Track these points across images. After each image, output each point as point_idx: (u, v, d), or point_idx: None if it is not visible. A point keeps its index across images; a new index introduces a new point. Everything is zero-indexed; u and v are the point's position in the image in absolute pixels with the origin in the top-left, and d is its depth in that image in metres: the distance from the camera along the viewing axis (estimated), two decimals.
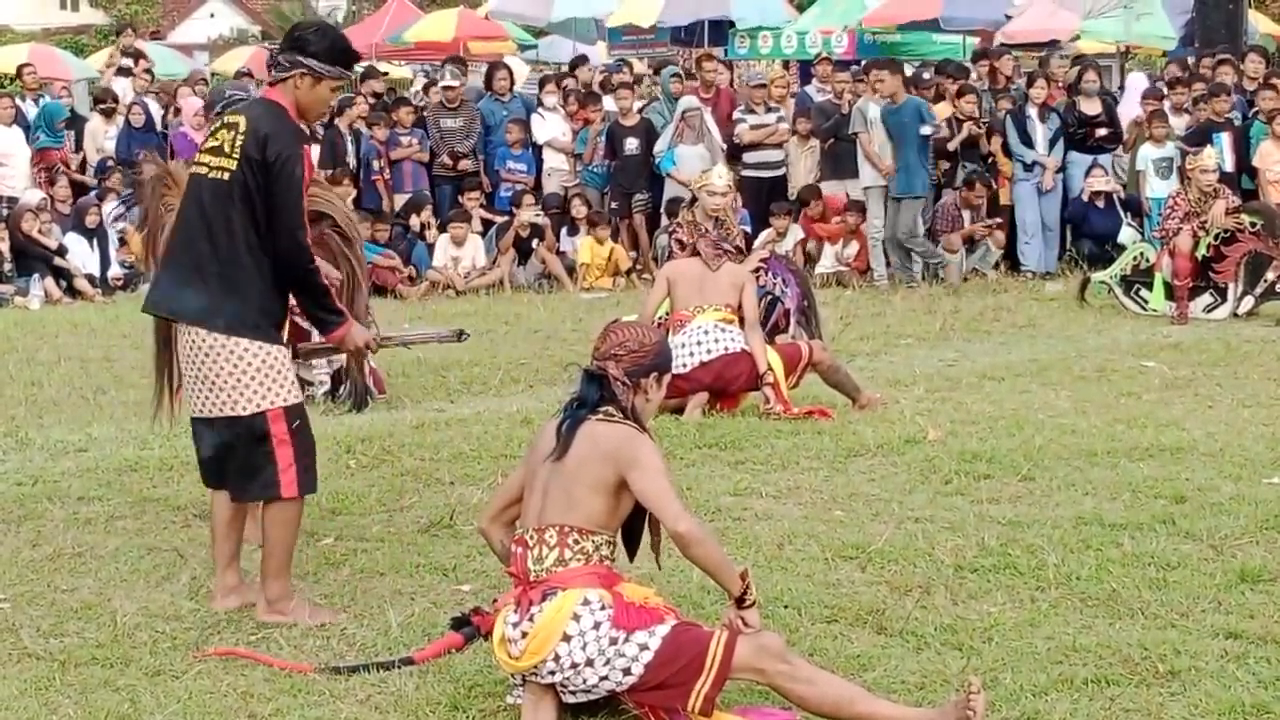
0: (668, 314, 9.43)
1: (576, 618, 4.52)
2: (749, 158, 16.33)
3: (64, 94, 19.30)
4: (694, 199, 10.03)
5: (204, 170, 5.55)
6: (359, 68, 23.32)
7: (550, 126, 17.06)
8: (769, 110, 16.55)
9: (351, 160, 16.22)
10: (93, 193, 16.89)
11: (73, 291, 15.63)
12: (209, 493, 5.84)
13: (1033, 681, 4.80)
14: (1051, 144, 15.69)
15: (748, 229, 14.66)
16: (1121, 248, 14.48)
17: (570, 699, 4.59)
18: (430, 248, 16.17)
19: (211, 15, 48.04)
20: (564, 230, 16.57)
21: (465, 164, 16.73)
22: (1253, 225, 12.85)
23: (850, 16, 20.45)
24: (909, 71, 18.78)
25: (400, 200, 16.60)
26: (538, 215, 16.24)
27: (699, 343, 9.13)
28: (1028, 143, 15.67)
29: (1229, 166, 14.84)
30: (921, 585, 5.76)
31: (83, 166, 17.58)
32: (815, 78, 18.09)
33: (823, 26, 20.63)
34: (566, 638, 4.51)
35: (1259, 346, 11.24)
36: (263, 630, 5.46)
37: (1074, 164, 15.86)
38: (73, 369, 11.19)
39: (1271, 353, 10.96)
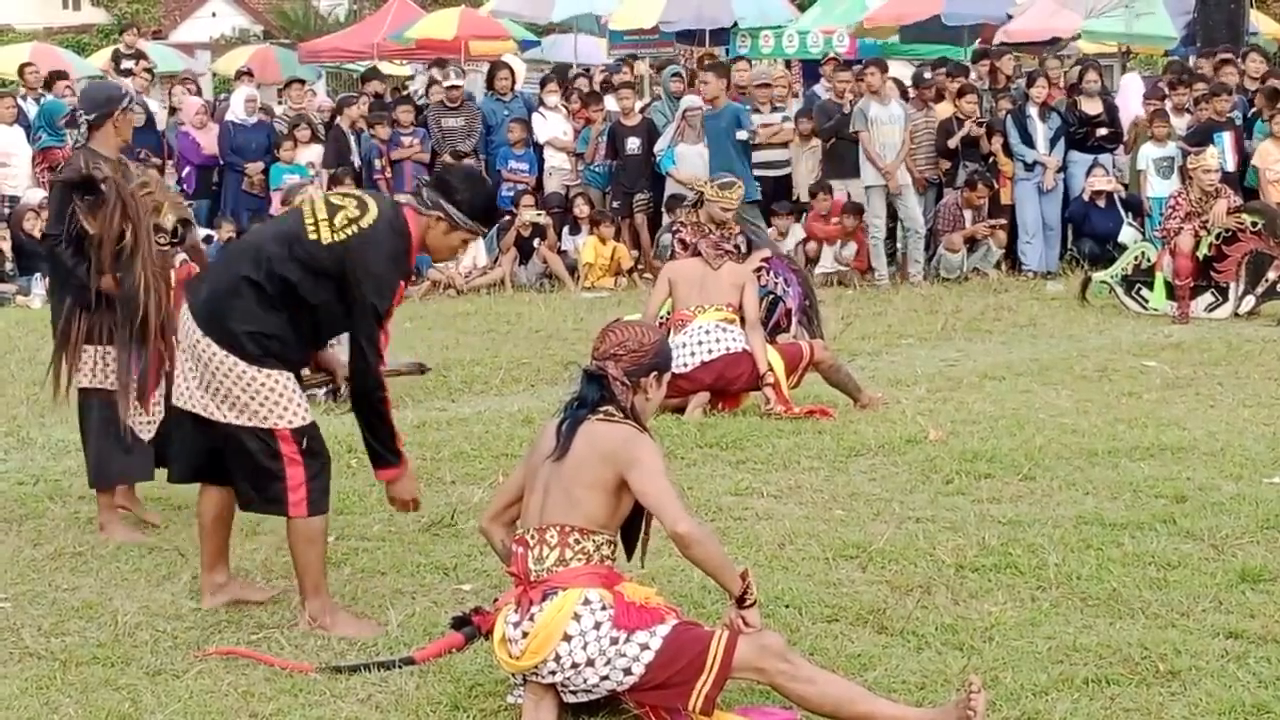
0: (669, 314, 9.44)
1: (577, 617, 4.53)
2: (754, 157, 16.31)
3: (66, 93, 19.29)
4: (698, 200, 10.01)
5: (307, 216, 5.36)
6: (360, 66, 23.52)
7: (552, 126, 17.07)
8: (774, 110, 16.54)
9: (355, 159, 16.24)
10: None
11: None
12: (198, 489, 5.73)
13: (1033, 681, 4.80)
14: (1052, 144, 15.69)
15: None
16: (1122, 247, 14.48)
17: (571, 699, 4.59)
18: None
19: (213, 14, 47.97)
20: (565, 229, 16.57)
21: (467, 163, 16.74)
22: (1254, 225, 12.84)
23: (851, 16, 20.45)
24: (909, 71, 18.82)
25: None
26: (539, 215, 16.25)
27: (700, 342, 9.13)
28: (1029, 142, 15.67)
29: (1230, 166, 14.84)
30: (922, 585, 5.76)
31: None
32: (823, 77, 18.06)
33: (824, 26, 20.63)
34: (567, 637, 4.51)
35: (1260, 346, 11.23)
36: (263, 630, 5.47)
37: (1075, 164, 15.86)
38: None
39: (1273, 352, 10.95)
